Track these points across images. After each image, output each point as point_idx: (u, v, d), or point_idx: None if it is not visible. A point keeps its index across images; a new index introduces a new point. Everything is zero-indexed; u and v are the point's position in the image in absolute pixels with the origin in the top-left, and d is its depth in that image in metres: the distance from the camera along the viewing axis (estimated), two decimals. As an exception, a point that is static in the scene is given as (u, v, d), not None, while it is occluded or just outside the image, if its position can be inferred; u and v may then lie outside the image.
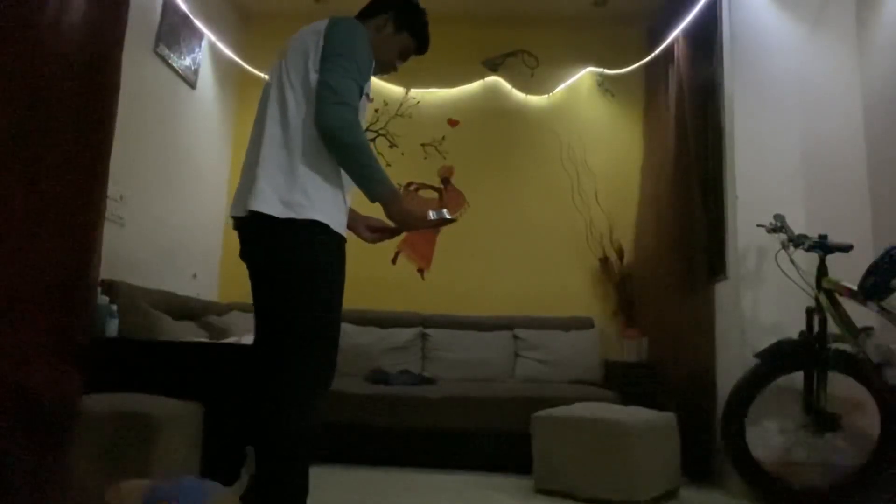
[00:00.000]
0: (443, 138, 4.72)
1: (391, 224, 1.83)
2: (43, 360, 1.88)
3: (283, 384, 1.65)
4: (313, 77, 1.68)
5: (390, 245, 4.52)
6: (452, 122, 4.74)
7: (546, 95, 4.77)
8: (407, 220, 1.77)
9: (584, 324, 4.31)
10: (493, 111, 4.77)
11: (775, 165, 3.19)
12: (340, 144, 1.63)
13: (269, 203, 1.62)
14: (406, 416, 3.49)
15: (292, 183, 1.63)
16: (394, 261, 4.58)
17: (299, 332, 1.67)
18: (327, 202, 1.67)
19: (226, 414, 2.64)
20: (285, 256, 1.65)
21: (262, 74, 4.71)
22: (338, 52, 1.67)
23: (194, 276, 4.26)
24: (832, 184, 3.15)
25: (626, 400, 3.49)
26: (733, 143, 3.24)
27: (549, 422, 2.99)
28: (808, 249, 2.80)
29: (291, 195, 1.62)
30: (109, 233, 2.74)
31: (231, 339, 3.43)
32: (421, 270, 4.61)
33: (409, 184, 4.65)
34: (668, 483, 2.86)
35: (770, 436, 2.91)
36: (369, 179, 1.68)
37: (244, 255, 1.78)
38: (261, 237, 1.67)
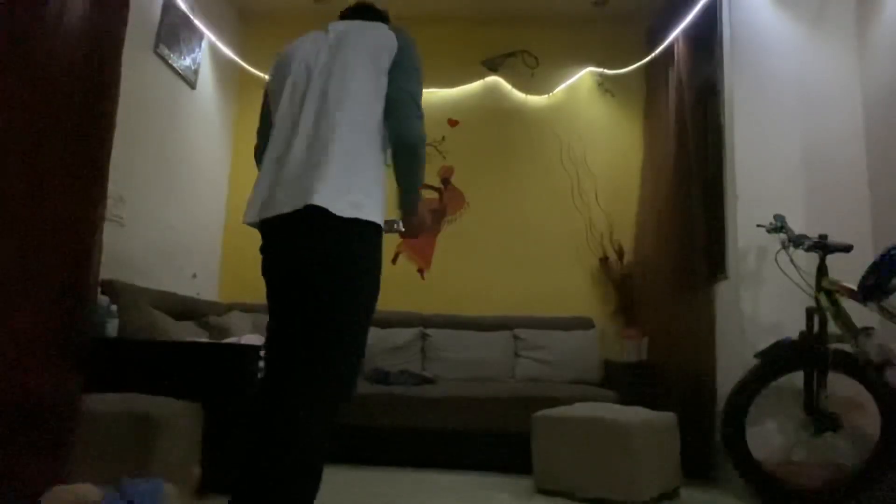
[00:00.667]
0: (443, 138, 4.72)
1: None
2: (43, 360, 1.88)
3: (318, 387, 1.59)
4: (383, 82, 1.70)
5: (390, 245, 4.52)
6: (452, 122, 4.74)
7: (546, 95, 4.77)
8: (420, 230, 1.82)
9: (584, 324, 4.31)
10: (493, 111, 4.77)
11: (775, 165, 3.19)
12: (414, 156, 1.71)
13: (334, 201, 1.56)
14: (406, 416, 3.49)
15: (356, 182, 1.61)
16: (394, 261, 4.58)
17: (343, 334, 1.62)
18: (381, 204, 1.66)
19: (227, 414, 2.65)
20: (344, 256, 1.61)
21: (262, 74, 4.70)
22: (414, 66, 1.76)
23: (194, 276, 4.26)
24: (832, 184, 3.15)
25: (626, 400, 3.48)
26: (733, 143, 3.24)
27: (549, 422, 2.99)
28: (808, 249, 2.80)
29: (356, 195, 1.59)
30: (109, 233, 2.74)
31: (231, 339, 3.43)
32: (421, 270, 4.61)
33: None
34: (668, 483, 2.86)
35: (770, 436, 2.91)
36: (415, 191, 1.75)
37: (280, 252, 1.68)
38: (315, 234, 1.59)
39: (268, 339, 1.73)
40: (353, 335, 1.64)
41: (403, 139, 1.69)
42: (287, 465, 1.51)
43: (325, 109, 1.66)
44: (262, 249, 1.73)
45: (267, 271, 1.72)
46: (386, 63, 1.71)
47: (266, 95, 1.90)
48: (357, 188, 1.60)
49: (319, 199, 1.55)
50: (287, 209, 1.60)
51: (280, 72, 1.81)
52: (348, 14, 1.95)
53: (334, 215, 1.56)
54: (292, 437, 1.54)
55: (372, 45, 1.73)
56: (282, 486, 1.50)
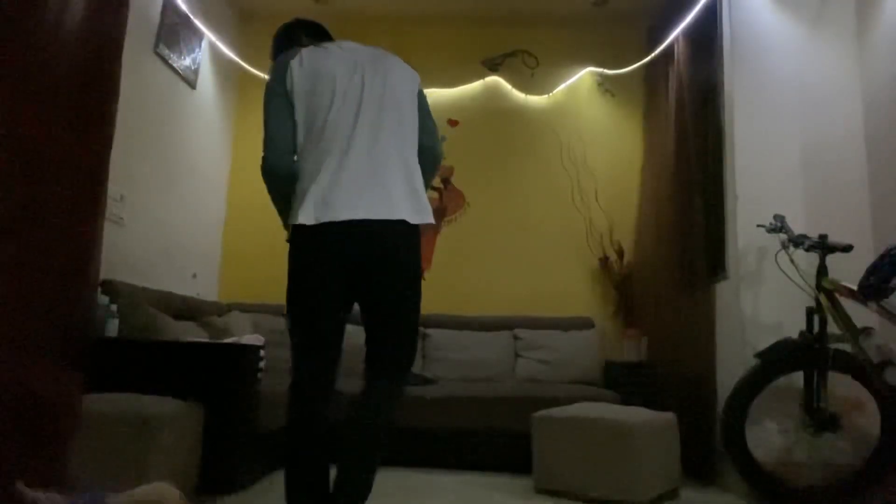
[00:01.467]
0: (443, 138, 4.72)
1: None
2: (43, 360, 1.88)
3: (401, 378, 1.86)
4: (415, 107, 1.99)
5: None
6: (452, 122, 4.74)
7: (546, 95, 4.77)
8: None
9: (584, 324, 4.31)
10: (493, 111, 4.77)
11: (775, 165, 3.19)
12: (437, 167, 2.09)
13: (409, 211, 1.81)
14: (406, 416, 3.48)
15: (419, 193, 1.87)
16: (394, 261, 4.59)
17: (415, 330, 1.92)
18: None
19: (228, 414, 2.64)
20: (417, 256, 1.90)
21: (262, 74, 4.70)
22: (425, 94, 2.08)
23: (194, 276, 4.26)
24: (832, 184, 3.15)
25: (626, 400, 3.49)
26: (733, 143, 3.24)
27: (549, 422, 2.99)
28: (808, 249, 2.80)
29: (422, 203, 1.87)
30: (109, 233, 2.74)
31: (231, 339, 3.43)
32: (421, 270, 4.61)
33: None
34: (668, 483, 2.86)
35: (770, 436, 2.90)
36: None
37: (349, 259, 1.78)
38: (397, 239, 1.81)
39: (315, 334, 1.82)
40: (418, 326, 1.97)
41: (435, 154, 2.02)
42: (374, 451, 1.82)
43: (389, 128, 1.87)
44: (321, 249, 1.79)
45: (325, 269, 1.79)
46: (415, 91, 2.00)
47: (277, 98, 1.89)
48: (420, 197, 1.86)
49: (399, 211, 1.79)
50: (366, 216, 1.76)
51: (318, 84, 1.87)
52: (315, 32, 2.14)
53: (409, 224, 1.81)
54: (386, 422, 1.82)
55: (408, 74, 2.00)
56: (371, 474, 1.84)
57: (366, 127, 1.83)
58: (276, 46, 2.15)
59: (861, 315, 2.60)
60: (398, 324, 1.87)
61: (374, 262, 1.80)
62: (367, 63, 1.93)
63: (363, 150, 1.81)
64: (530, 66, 4.81)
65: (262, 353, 3.03)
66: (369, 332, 1.88)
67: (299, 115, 1.86)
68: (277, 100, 1.89)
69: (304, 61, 1.89)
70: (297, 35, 2.12)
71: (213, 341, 3.36)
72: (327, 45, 1.99)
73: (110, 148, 2.08)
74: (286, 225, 1.92)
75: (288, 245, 1.97)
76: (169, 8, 3.80)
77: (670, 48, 4.03)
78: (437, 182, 4.71)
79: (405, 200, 1.82)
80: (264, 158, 1.88)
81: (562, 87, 4.77)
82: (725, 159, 3.33)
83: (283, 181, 1.87)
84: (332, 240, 1.76)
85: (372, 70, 1.92)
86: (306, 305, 1.81)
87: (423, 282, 2.05)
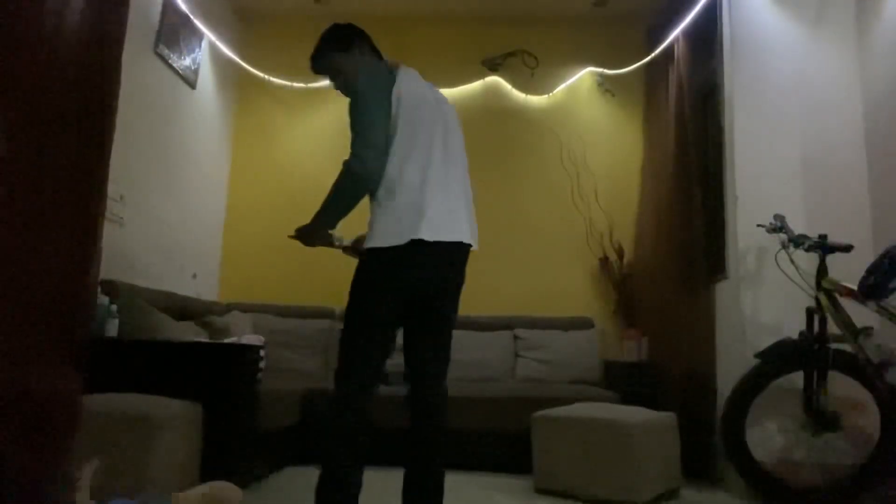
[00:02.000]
0: (443, 138, 4.72)
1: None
2: (43, 360, 1.88)
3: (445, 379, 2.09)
4: None
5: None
6: (452, 122, 4.74)
7: (546, 95, 4.76)
8: None
9: (584, 324, 4.31)
10: (493, 111, 4.77)
11: (775, 165, 3.19)
12: None
13: (474, 236, 2.08)
14: (406, 416, 3.48)
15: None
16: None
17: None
18: None
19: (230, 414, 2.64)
20: None
21: (262, 74, 4.71)
22: None
23: (194, 276, 4.26)
24: (832, 184, 3.15)
25: (626, 400, 3.48)
26: (733, 143, 3.24)
27: (549, 422, 2.99)
28: (808, 249, 2.80)
29: (476, 229, 2.10)
30: (109, 233, 2.74)
31: (231, 339, 3.43)
32: (421, 270, 4.61)
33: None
34: (668, 483, 2.86)
35: (770, 436, 2.91)
36: None
37: (443, 275, 1.98)
38: (466, 260, 2.08)
39: (382, 338, 1.97)
40: None
41: None
42: (442, 445, 2.06)
43: (462, 160, 2.14)
44: (427, 264, 1.92)
45: (418, 283, 1.94)
46: None
47: (382, 103, 1.88)
48: (475, 225, 2.10)
49: (469, 237, 2.02)
50: (461, 238, 1.96)
51: (418, 106, 1.95)
52: (375, 49, 2.20)
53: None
54: (444, 420, 2.07)
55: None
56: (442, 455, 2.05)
57: (454, 157, 2.04)
58: (331, 43, 2.12)
59: (861, 315, 2.60)
60: (449, 333, 2.09)
61: (452, 279, 2.04)
62: (440, 97, 2.10)
63: (455, 178, 2.01)
64: (530, 66, 4.81)
65: (262, 353, 3.03)
66: (421, 339, 2.04)
67: (398, 130, 1.87)
68: (382, 104, 1.86)
69: (409, 80, 1.96)
70: (360, 44, 2.13)
71: (213, 341, 3.37)
72: (410, 70, 2.06)
73: (110, 148, 2.08)
74: (325, 234, 2.04)
75: (292, 240, 2.06)
76: (169, 8, 3.80)
77: (670, 48, 4.03)
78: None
79: (472, 227, 2.05)
80: (360, 159, 1.81)
81: (562, 87, 4.77)
82: (725, 159, 3.33)
83: (369, 186, 1.87)
84: (439, 256, 1.91)
85: (446, 105, 2.10)
86: (386, 312, 1.91)
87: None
